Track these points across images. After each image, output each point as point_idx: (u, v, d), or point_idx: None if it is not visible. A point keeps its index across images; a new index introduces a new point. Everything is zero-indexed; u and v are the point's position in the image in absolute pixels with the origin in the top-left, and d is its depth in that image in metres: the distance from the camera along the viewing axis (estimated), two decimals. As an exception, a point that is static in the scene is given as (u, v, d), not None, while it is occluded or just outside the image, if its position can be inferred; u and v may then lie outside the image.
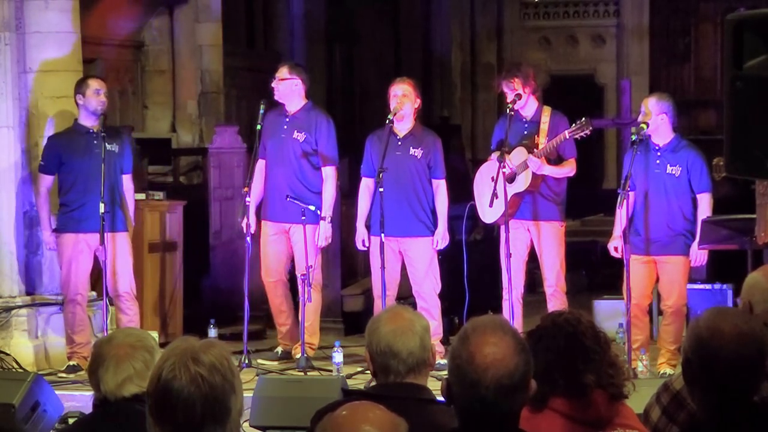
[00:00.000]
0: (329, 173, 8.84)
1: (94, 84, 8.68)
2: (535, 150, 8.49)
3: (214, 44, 13.54)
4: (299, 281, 8.63)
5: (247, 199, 8.59)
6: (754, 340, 3.31)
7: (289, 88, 8.81)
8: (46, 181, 8.71)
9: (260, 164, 8.91)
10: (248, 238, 8.59)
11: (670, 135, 8.29)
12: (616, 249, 8.32)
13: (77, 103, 8.67)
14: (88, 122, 8.64)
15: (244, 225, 8.79)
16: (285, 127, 8.80)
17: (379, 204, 8.45)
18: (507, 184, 8.40)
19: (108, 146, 8.57)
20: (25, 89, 9.05)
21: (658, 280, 8.45)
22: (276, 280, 8.94)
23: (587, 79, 19.66)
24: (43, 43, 9.04)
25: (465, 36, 19.95)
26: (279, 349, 9.04)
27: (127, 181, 8.80)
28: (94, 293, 9.06)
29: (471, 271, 9.16)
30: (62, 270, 8.76)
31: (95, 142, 8.58)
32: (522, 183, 8.49)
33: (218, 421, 2.77)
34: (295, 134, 8.80)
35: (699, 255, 8.36)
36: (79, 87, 8.69)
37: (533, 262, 8.82)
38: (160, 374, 2.79)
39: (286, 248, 8.92)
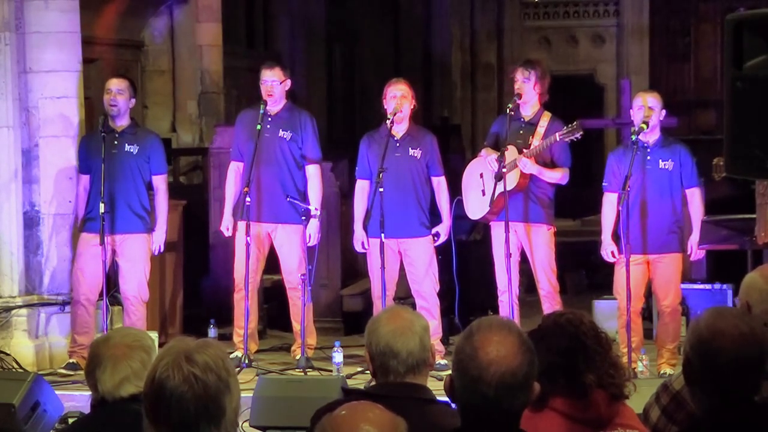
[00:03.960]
0: (315, 170, 8.83)
1: (106, 84, 8.75)
2: (524, 150, 8.49)
3: (214, 44, 13.54)
4: (299, 281, 8.61)
5: (247, 199, 8.55)
6: (755, 340, 3.31)
7: (283, 89, 8.80)
8: (81, 180, 8.80)
9: (238, 165, 8.87)
10: (248, 238, 8.56)
11: (659, 132, 8.33)
12: (613, 254, 8.32)
13: None
14: (111, 122, 8.66)
15: (224, 228, 8.77)
16: (268, 126, 8.72)
17: (379, 204, 8.45)
18: (496, 182, 8.41)
19: (127, 146, 8.61)
20: (25, 89, 9.05)
21: (650, 281, 8.46)
22: (256, 284, 8.88)
23: (587, 79, 19.65)
24: (43, 43, 9.04)
25: (465, 36, 19.94)
26: (239, 354, 8.62)
27: (156, 182, 8.76)
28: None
29: (469, 271, 9.16)
30: (72, 268, 8.79)
31: (115, 142, 8.60)
32: (510, 182, 8.48)
33: (213, 421, 2.77)
34: (281, 133, 8.76)
35: (698, 251, 8.38)
36: None
37: (526, 262, 8.82)
38: (155, 374, 2.79)
39: (266, 251, 8.88)
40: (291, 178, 8.77)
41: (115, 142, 8.61)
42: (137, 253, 8.67)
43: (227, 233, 8.81)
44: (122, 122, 8.67)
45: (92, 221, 8.63)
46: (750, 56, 5.28)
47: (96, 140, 8.68)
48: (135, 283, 8.66)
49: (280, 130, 8.75)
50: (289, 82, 8.83)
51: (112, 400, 3.70)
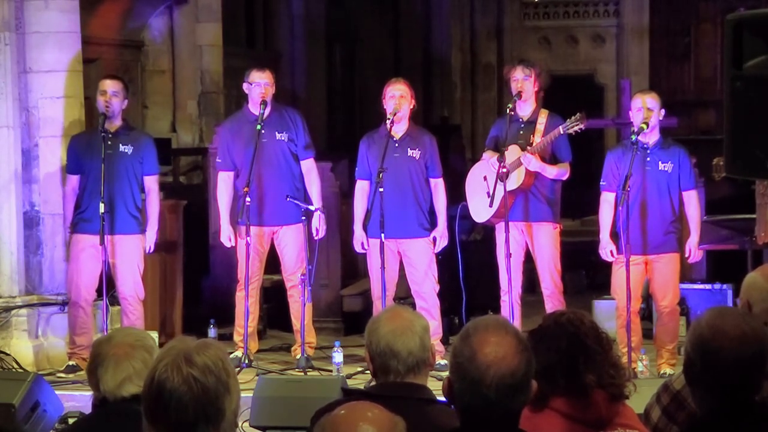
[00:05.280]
0: (311, 165, 8.83)
1: (100, 85, 8.72)
2: (528, 147, 8.49)
3: (214, 44, 13.55)
4: (299, 281, 8.61)
5: (247, 199, 8.55)
6: (756, 339, 3.31)
7: (273, 91, 8.82)
8: (70, 180, 8.75)
9: (228, 175, 8.84)
10: (248, 238, 8.56)
11: (658, 133, 8.34)
12: (612, 253, 8.32)
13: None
14: (107, 123, 8.65)
15: (225, 239, 8.75)
16: (263, 131, 8.74)
17: (379, 205, 8.44)
18: (500, 182, 8.41)
19: (122, 147, 8.59)
20: (25, 89, 9.04)
21: (649, 281, 8.46)
22: (258, 284, 8.89)
23: (587, 79, 19.65)
24: (43, 43, 9.03)
25: (465, 36, 19.94)
26: (239, 354, 8.64)
27: (149, 183, 8.75)
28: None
29: (470, 271, 9.15)
30: (68, 270, 8.78)
31: (109, 143, 8.59)
32: (514, 181, 8.49)
33: (211, 422, 2.76)
34: (278, 136, 8.76)
35: (697, 252, 8.38)
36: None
37: (530, 262, 8.82)
38: (154, 375, 2.78)
39: (267, 251, 8.89)
40: (291, 179, 8.77)
41: (110, 143, 8.60)
42: (133, 253, 8.68)
43: (229, 244, 8.80)
44: (116, 123, 8.67)
45: (87, 222, 8.61)
46: (750, 56, 5.27)
47: (89, 141, 8.68)
48: (131, 282, 8.67)
49: (276, 132, 8.75)
50: (274, 87, 8.85)
51: (113, 399, 3.70)
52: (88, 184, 8.65)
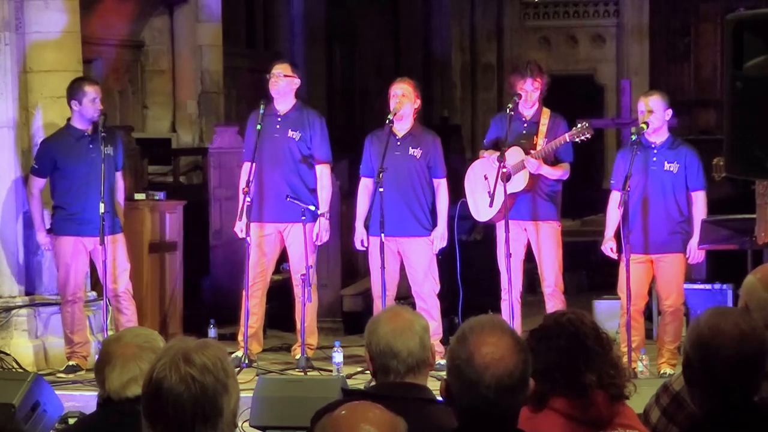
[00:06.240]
0: (324, 170, 8.83)
1: (90, 92, 8.55)
2: (532, 151, 8.50)
3: (214, 44, 13.54)
4: (299, 281, 8.61)
5: (247, 199, 8.56)
6: (755, 339, 3.31)
7: (289, 86, 8.80)
8: (39, 183, 8.69)
9: (249, 166, 8.85)
10: (248, 238, 8.56)
11: (666, 133, 8.33)
12: (612, 249, 8.33)
13: (71, 108, 8.62)
14: (82, 126, 8.61)
15: (238, 230, 8.76)
16: (277, 126, 8.75)
17: (379, 204, 8.45)
18: (498, 182, 8.41)
19: (105, 150, 8.56)
20: (25, 89, 9.04)
21: (654, 280, 8.46)
22: (263, 284, 8.90)
23: (587, 79, 19.64)
24: (43, 43, 9.04)
25: (465, 36, 19.93)
26: (239, 354, 8.62)
27: (118, 178, 8.79)
28: (94, 293, 9.07)
29: (469, 270, 9.14)
30: (59, 272, 8.76)
31: (91, 146, 8.57)
32: (520, 183, 8.49)
33: (209, 422, 2.76)
34: (290, 133, 8.77)
35: (697, 253, 8.38)
36: (75, 93, 8.57)
37: (531, 262, 8.83)
38: (153, 374, 2.79)
39: (277, 250, 8.88)
40: (299, 178, 8.77)
41: (90, 146, 8.58)
42: (122, 251, 8.70)
43: (241, 234, 8.77)
44: (90, 126, 8.62)
45: (75, 224, 8.58)
46: (750, 56, 5.28)
47: (65, 143, 8.61)
48: (125, 279, 8.70)
49: (290, 130, 8.77)
50: (297, 81, 8.84)
51: (117, 399, 3.70)
52: (73, 186, 8.60)
